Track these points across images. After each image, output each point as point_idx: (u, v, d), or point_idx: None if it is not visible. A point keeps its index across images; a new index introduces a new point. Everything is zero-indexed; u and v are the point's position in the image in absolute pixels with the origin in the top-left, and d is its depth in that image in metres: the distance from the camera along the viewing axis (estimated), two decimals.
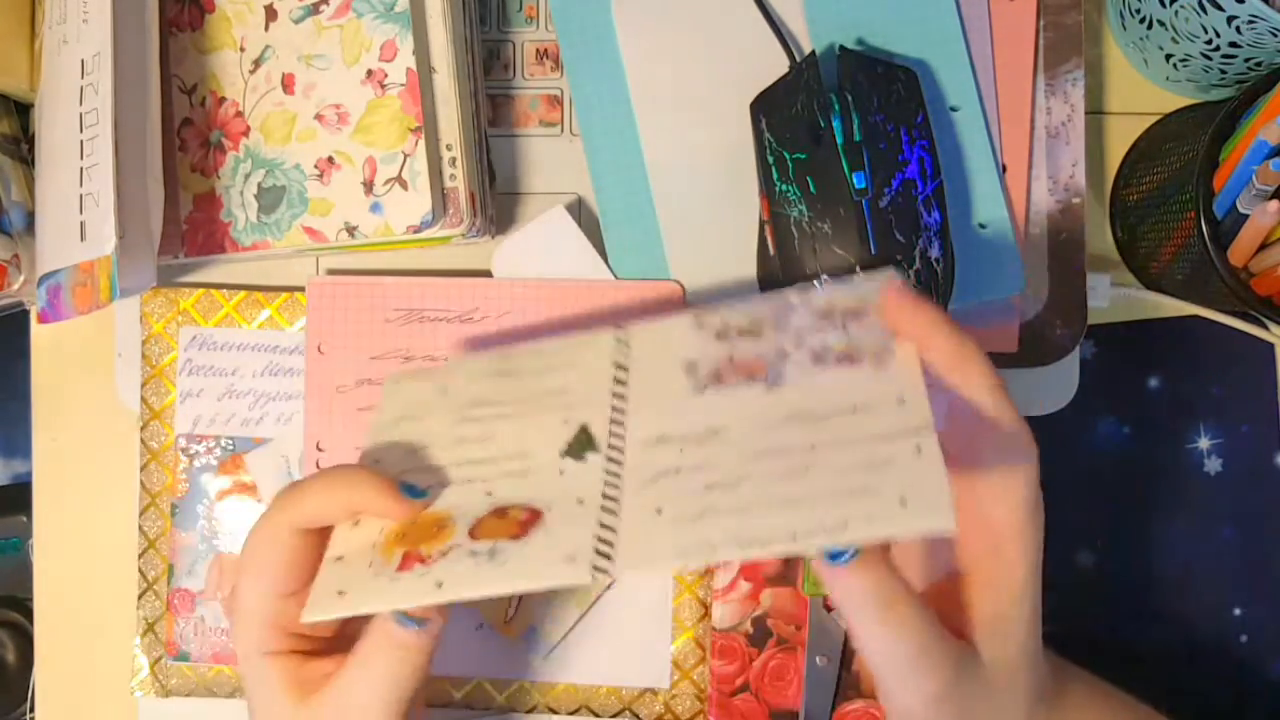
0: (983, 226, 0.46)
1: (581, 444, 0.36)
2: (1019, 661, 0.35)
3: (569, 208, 0.46)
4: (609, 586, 0.46)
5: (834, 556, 0.33)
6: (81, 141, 0.41)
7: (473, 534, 0.33)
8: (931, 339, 0.34)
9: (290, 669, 0.36)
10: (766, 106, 0.43)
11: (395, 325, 0.46)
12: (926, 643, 0.34)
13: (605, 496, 0.33)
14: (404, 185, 0.42)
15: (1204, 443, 0.49)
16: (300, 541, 0.36)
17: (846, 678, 0.45)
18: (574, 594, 0.46)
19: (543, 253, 0.46)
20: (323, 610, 0.33)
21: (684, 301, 0.46)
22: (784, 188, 0.42)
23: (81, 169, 0.41)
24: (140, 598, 0.47)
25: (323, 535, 0.36)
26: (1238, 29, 0.40)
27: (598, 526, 0.32)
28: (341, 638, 0.37)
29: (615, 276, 0.46)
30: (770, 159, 0.42)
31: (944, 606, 0.35)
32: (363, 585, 0.33)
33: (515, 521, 0.34)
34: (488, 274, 0.47)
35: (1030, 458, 0.34)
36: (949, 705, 0.35)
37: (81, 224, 0.40)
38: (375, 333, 0.46)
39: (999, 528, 0.34)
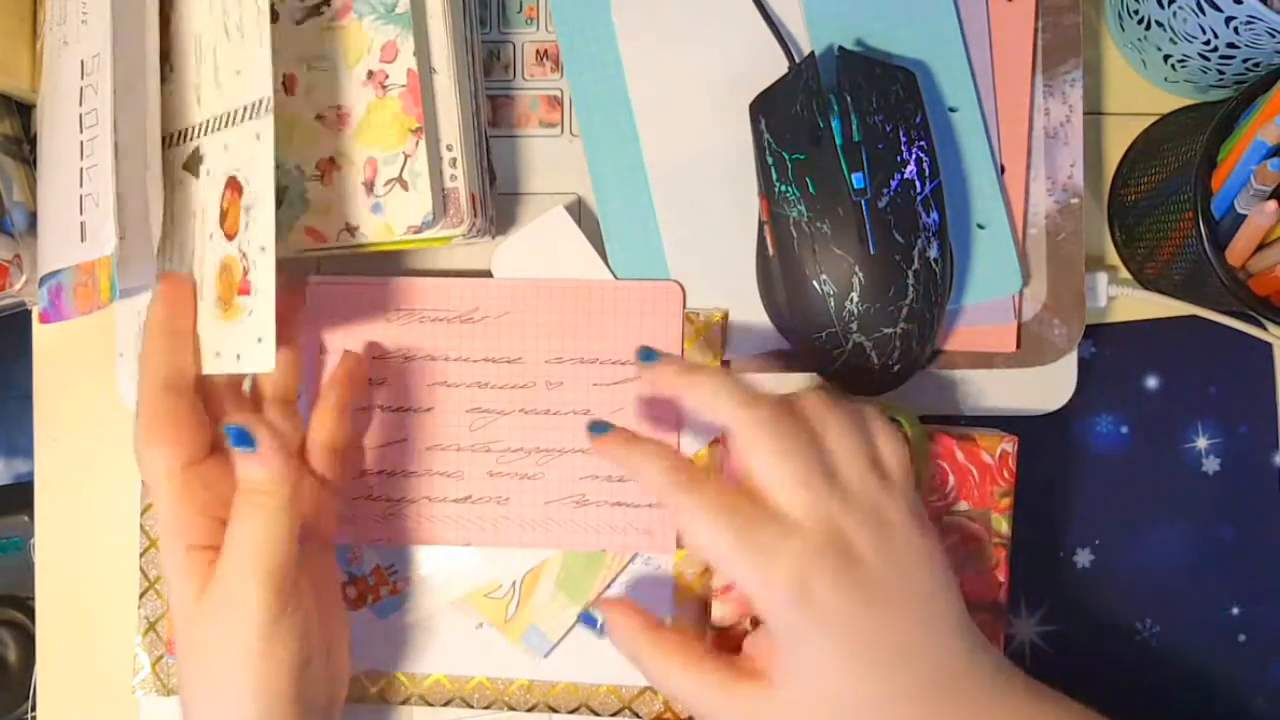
0: (981, 227, 0.46)
1: None
2: (823, 700, 0.35)
3: (568, 208, 0.46)
4: (609, 586, 0.46)
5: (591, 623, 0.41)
6: (81, 142, 0.41)
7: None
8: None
9: (201, 566, 0.38)
10: (766, 107, 0.43)
11: (396, 325, 0.46)
12: (718, 683, 0.37)
13: None
14: (404, 186, 0.42)
15: (1202, 442, 0.49)
16: (179, 401, 0.39)
17: None
18: (573, 593, 0.46)
19: (542, 253, 0.46)
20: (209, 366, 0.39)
21: (684, 301, 0.46)
22: (783, 188, 0.42)
23: (81, 169, 0.41)
24: (142, 596, 0.47)
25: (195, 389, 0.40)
26: (1235, 30, 0.40)
27: None
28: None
29: (615, 276, 0.46)
30: (769, 159, 0.42)
31: (755, 642, 0.38)
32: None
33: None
34: (488, 274, 0.47)
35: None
36: None
37: (82, 224, 0.40)
38: (376, 333, 0.46)
39: (740, 587, 0.37)
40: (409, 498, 0.46)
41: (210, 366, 0.40)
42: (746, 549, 0.35)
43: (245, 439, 0.38)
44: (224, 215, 0.40)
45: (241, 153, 0.40)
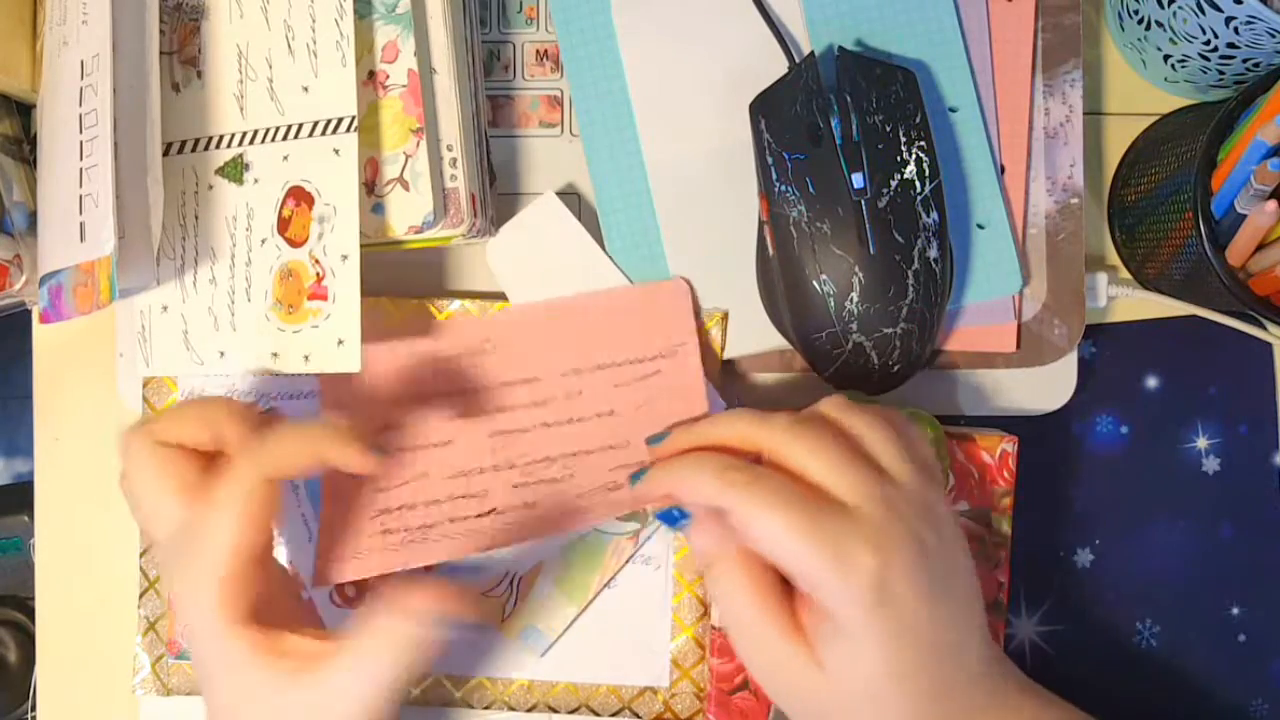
0: (981, 227, 0.46)
1: None
2: (866, 690, 0.34)
3: (560, 194, 0.46)
4: (606, 584, 0.46)
5: (668, 522, 0.37)
6: (81, 142, 0.41)
7: None
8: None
9: (264, 641, 0.35)
10: (766, 107, 0.43)
11: (406, 370, 0.45)
12: (775, 643, 0.35)
13: None
14: (405, 186, 0.42)
15: (1202, 442, 0.49)
16: (267, 494, 0.35)
17: None
18: (571, 592, 0.46)
19: (537, 240, 0.46)
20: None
21: (693, 297, 0.46)
22: (783, 188, 0.42)
23: (81, 170, 0.41)
24: (141, 596, 0.47)
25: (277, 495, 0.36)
26: (1235, 30, 0.40)
27: None
28: (286, 612, 0.37)
29: (610, 259, 0.46)
30: (769, 159, 0.42)
31: (808, 613, 0.36)
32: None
33: None
34: (487, 275, 0.47)
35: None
36: (800, 712, 0.36)
37: (81, 224, 0.40)
38: (387, 381, 0.45)
39: (808, 581, 0.35)
40: (429, 523, 0.44)
41: (263, 365, 0.41)
42: (821, 540, 0.33)
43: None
44: (285, 223, 0.42)
45: (310, 164, 0.42)
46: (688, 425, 0.39)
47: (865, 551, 0.33)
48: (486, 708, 0.46)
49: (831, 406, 0.37)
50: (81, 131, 0.41)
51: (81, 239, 0.40)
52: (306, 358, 0.42)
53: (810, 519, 0.34)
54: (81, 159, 0.41)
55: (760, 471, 0.35)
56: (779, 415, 0.37)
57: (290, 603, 0.40)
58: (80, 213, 0.40)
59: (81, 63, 0.41)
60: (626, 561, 0.46)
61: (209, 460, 0.38)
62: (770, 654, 0.36)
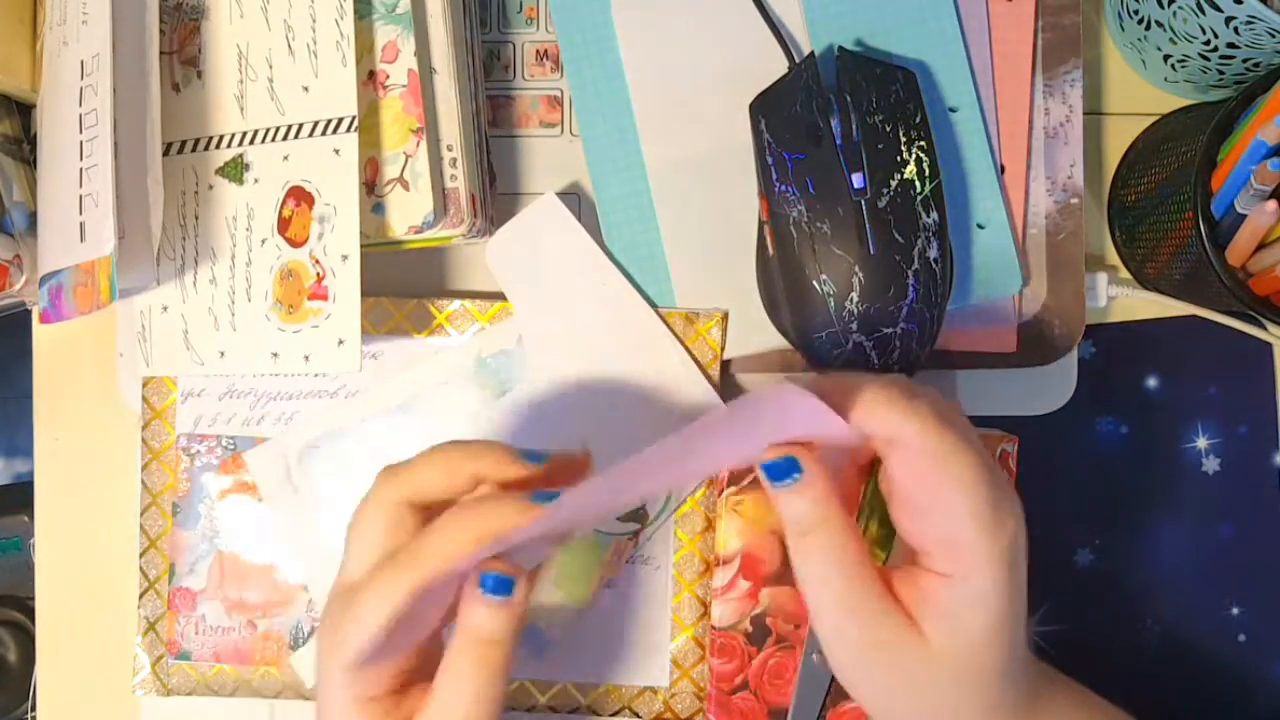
0: (981, 227, 0.46)
1: None
2: (970, 662, 0.34)
3: (560, 194, 0.46)
4: (608, 585, 0.46)
5: (774, 476, 0.34)
6: (81, 142, 0.41)
7: None
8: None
9: (385, 712, 0.34)
10: (766, 107, 0.43)
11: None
12: (872, 608, 0.34)
13: None
14: (405, 186, 0.42)
15: (1202, 442, 0.49)
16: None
17: None
18: (571, 592, 0.46)
19: (536, 241, 0.46)
20: None
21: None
22: (783, 188, 0.42)
23: (81, 170, 0.41)
24: (141, 597, 0.47)
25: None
26: (1235, 30, 0.40)
27: None
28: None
29: (611, 258, 0.46)
30: (769, 159, 0.42)
31: (903, 586, 0.35)
32: None
33: None
34: (487, 275, 0.47)
35: (980, 482, 0.34)
36: (882, 682, 0.35)
37: (81, 224, 0.40)
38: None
39: (949, 531, 0.34)
40: None
41: (261, 366, 0.41)
42: (990, 493, 0.33)
43: (503, 586, 0.33)
44: (285, 222, 0.42)
45: (310, 164, 0.42)
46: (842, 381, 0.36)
47: (1011, 518, 0.34)
48: None
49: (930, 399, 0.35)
50: (81, 131, 0.41)
51: (81, 239, 0.40)
52: (306, 358, 0.42)
53: (989, 473, 0.34)
54: (81, 159, 0.41)
55: (950, 412, 0.35)
56: (920, 402, 0.35)
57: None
58: (80, 213, 0.40)
59: (81, 63, 0.41)
60: (626, 561, 0.46)
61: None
62: (869, 628, 0.34)
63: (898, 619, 0.34)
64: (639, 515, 0.46)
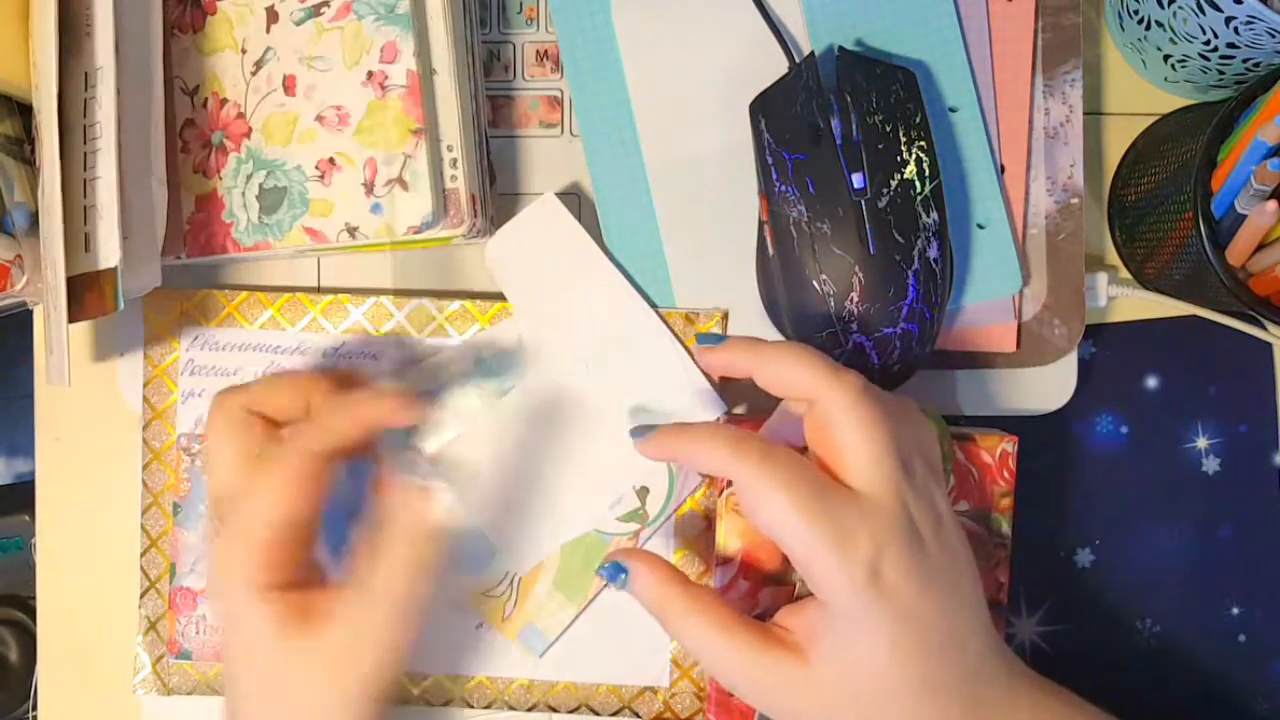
0: (981, 227, 0.46)
1: None
2: (868, 683, 0.35)
3: (560, 194, 0.46)
4: (606, 585, 0.46)
5: (610, 579, 0.38)
6: (85, 154, 0.41)
7: None
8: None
9: (292, 607, 0.36)
10: (766, 107, 0.43)
11: None
12: (748, 653, 0.35)
13: None
14: (405, 186, 0.42)
15: (1202, 442, 0.49)
16: (314, 470, 0.37)
17: None
18: (571, 592, 0.46)
19: (536, 241, 0.46)
20: None
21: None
22: (783, 188, 0.42)
23: (85, 181, 0.41)
24: (142, 596, 0.47)
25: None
26: (1236, 30, 0.40)
27: None
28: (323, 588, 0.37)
29: (610, 259, 0.46)
30: (769, 159, 0.42)
31: (794, 618, 0.36)
32: None
33: None
34: (488, 275, 0.47)
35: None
36: (791, 712, 0.36)
37: (86, 235, 0.41)
38: None
39: (804, 559, 0.35)
40: None
41: None
42: (825, 524, 0.34)
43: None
44: None
45: None
46: (749, 342, 0.39)
47: (864, 535, 0.34)
48: (486, 707, 0.46)
49: (859, 387, 0.36)
50: (85, 143, 0.41)
51: (86, 249, 0.40)
52: None
53: (816, 499, 0.34)
54: (85, 170, 0.41)
55: (773, 448, 0.35)
56: (847, 374, 0.36)
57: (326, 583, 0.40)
58: (85, 223, 0.41)
59: (85, 74, 0.41)
60: None
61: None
62: (756, 675, 0.36)
63: (777, 656, 0.35)
64: (638, 516, 0.46)
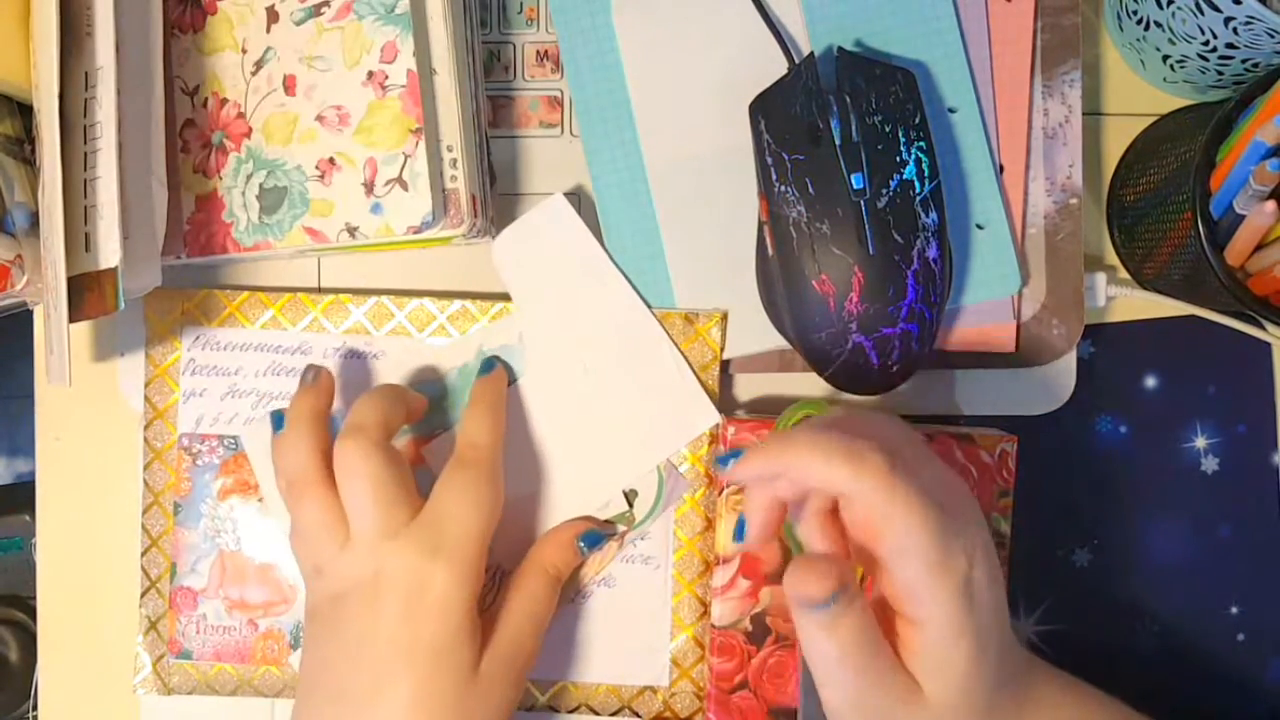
0: (980, 227, 0.46)
1: None
2: (959, 701, 0.35)
3: (568, 194, 0.46)
4: (607, 584, 0.46)
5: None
6: (85, 154, 0.41)
7: None
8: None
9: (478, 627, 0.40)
10: (765, 108, 0.43)
11: None
12: (874, 673, 0.35)
13: None
14: (404, 186, 0.42)
15: (1201, 442, 0.49)
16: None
17: None
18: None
19: (542, 241, 0.46)
20: None
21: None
22: (783, 188, 0.42)
23: (85, 181, 0.41)
24: (143, 596, 0.47)
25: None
26: (1235, 30, 0.40)
27: None
28: None
29: (614, 264, 0.46)
30: (769, 160, 0.42)
31: (889, 633, 0.36)
32: None
33: None
34: (488, 275, 0.47)
35: (913, 520, 0.34)
36: None
37: (86, 235, 0.41)
38: None
39: (905, 582, 0.34)
40: None
41: None
42: (938, 536, 0.34)
43: (595, 540, 0.45)
44: None
45: None
46: (766, 451, 0.37)
47: (959, 549, 0.34)
48: None
49: (886, 471, 0.35)
50: (86, 143, 0.41)
51: (87, 249, 0.40)
52: None
53: (936, 516, 0.34)
54: (86, 169, 0.41)
55: (895, 462, 0.34)
56: (865, 462, 0.35)
57: None
58: (85, 223, 0.41)
59: (85, 74, 0.41)
60: (612, 558, 0.46)
61: None
62: (884, 693, 0.35)
63: (902, 678, 0.35)
64: (625, 518, 0.46)
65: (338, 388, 0.44)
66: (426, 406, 0.45)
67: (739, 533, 0.38)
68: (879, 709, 0.35)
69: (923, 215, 0.42)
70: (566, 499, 0.46)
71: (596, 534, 0.45)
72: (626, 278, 0.46)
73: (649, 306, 0.46)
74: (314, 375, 0.43)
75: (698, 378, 0.46)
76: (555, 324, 0.46)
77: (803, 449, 0.35)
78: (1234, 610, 0.49)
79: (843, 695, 0.35)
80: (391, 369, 0.47)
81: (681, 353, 0.46)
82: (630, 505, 0.46)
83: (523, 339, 0.46)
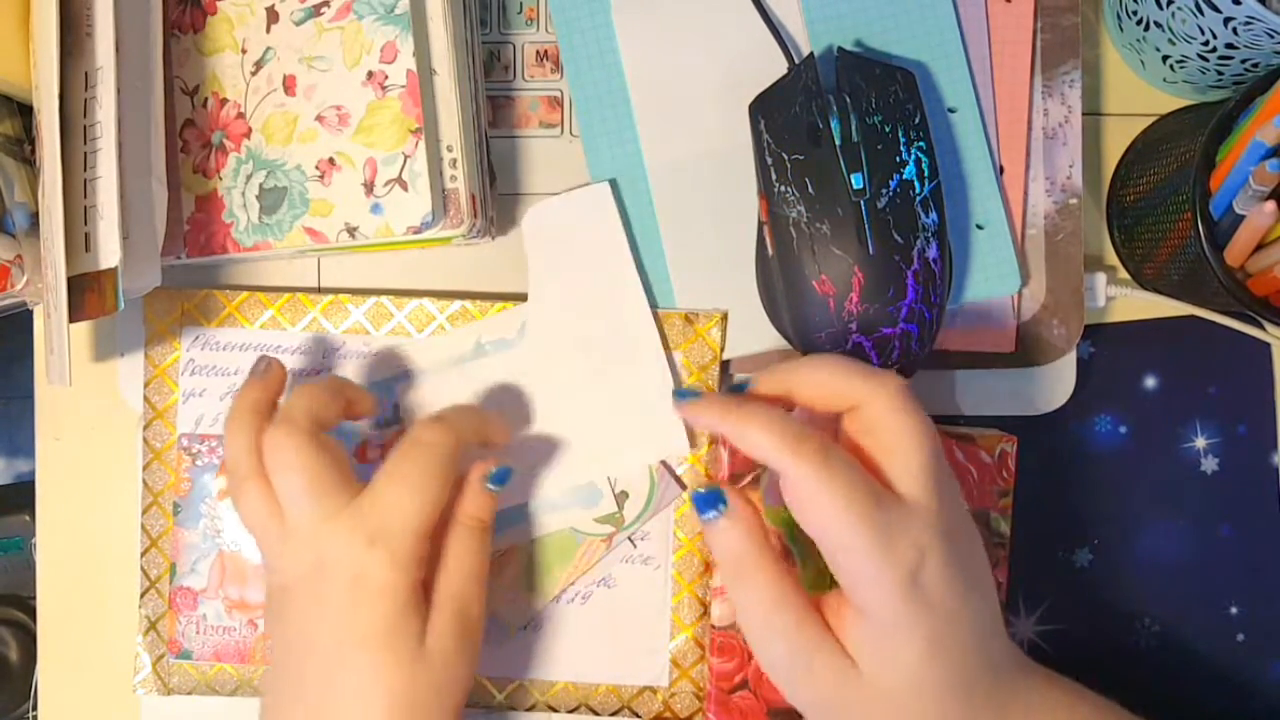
0: (980, 227, 0.46)
1: None
2: (906, 687, 0.35)
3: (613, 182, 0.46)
4: (574, 581, 0.46)
5: (701, 507, 0.37)
6: (85, 154, 0.41)
7: None
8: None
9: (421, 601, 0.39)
10: (765, 108, 0.43)
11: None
12: (805, 646, 0.35)
13: None
14: (404, 186, 0.42)
15: (1201, 442, 0.49)
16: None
17: None
18: (538, 586, 0.46)
19: (576, 223, 0.46)
20: None
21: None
22: (782, 188, 0.42)
23: (85, 181, 0.41)
24: (143, 596, 0.47)
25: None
26: (1234, 30, 0.40)
27: None
28: None
29: (637, 271, 0.46)
30: (769, 160, 0.42)
31: (834, 617, 0.36)
32: None
33: None
34: (488, 275, 0.47)
35: (842, 506, 0.34)
36: (827, 715, 0.36)
37: (86, 235, 0.41)
38: None
39: (849, 567, 0.35)
40: None
41: None
42: (873, 526, 0.34)
43: (502, 477, 0.42)
44: None
45: None
46: (780, 368, 0.39)
47: (907, 543, 0.34)
48: (486, 707, 0.46)
49: (902, 389, 0.37)
50: (86, 143, 0.41)
51: (87, 249, 0.40)
52: None
53: (870, 506, 0.34)
54: (86, 170, 0.41)
55: (832, 447, 0.35)
56: (890, 375, 0.37)
57: None
58: (85, 224, 0.41)
59: (85, 74, 0.41)
60: (599, 559, 0.46)
61: None
62: (804, 659, 0.35)
63: (831, 647, 0.35)
64: (615, 519, 0.46)
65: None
66: (375, 403, 0.44)
67: (703, 503, 0.38)
68: (808, 679, 0.36)
69: (923, 215, 0.42)
70: (556, 496, 0.46)
71: (502, 470, 0.42)
72: (644, 285, 0.46)
73: (655, 315, 0.46)
74: (264, 367, 0.42)
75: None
76: (565, 307, 0.46)
77: (818, 364, 0.38)
78: (1234, 610, 0.49)
79: (767, 659, 0.36)
80: (386, 363, 0.47)
81: (675, 373, 0.46)
82: (620, 508, 0.46)
83: (523, 330, 0.46)
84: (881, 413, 0.36)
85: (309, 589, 0.38)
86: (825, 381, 0.37)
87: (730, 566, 0.37)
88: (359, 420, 0.44)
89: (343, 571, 0.38)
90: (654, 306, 0.46)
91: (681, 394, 0.40)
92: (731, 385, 0.40)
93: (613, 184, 0.46)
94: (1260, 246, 0.41)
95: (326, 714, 0.38)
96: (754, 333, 0.46)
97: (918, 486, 0.35)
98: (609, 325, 0.46)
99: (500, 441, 0.44)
